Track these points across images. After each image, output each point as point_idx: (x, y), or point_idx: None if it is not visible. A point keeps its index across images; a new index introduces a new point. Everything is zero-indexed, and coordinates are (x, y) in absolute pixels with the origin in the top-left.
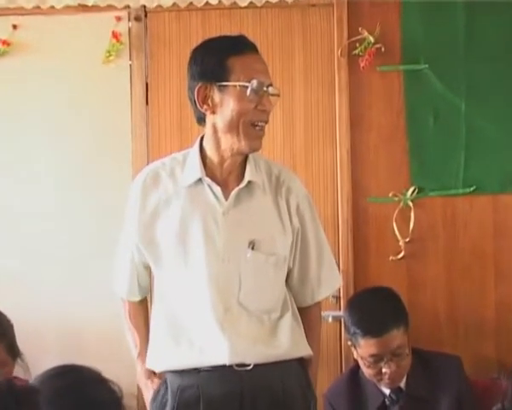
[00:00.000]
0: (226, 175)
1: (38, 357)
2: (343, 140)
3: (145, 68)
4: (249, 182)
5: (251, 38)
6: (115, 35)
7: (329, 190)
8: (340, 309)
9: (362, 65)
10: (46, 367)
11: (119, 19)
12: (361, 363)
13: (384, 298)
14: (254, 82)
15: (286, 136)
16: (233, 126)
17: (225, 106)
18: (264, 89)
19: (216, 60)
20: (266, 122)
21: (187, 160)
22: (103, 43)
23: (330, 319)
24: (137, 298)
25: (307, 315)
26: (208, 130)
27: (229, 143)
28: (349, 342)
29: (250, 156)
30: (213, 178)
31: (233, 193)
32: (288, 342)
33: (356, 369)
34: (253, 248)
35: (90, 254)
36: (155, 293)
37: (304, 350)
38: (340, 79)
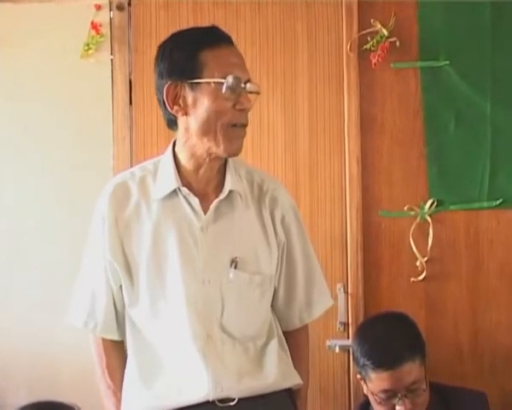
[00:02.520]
0: (203, 185)
1: (6, 392)
2: (352, 146)
3: (128, 64)
4: (230, 192)
5: (249, 30)
6: (95, 26)
7: (337, 202)
8: (348, 338)
9: (374, 61)
10: (15, 405)
11: (98, 8)
12: (372, 399)
13: (398, 325)
14: (230, 78)
15: (288, 141)
16: (209, 129)
17: (199, 106)
18: (242, 85)
19: (186, 54)
20: (246, 124)
21: (159, 169)
22: (81, 36)
23: (337, 349)
24: (114, 336)
25: (294, 339)
26: (181, 134)
27: (205, 147)
28: (358, 376)
29: (230, 163)
30: (190, 189)
31: (213, 205)
32: (275, 373)
33: (366, 406)
34: (235, 267)
35: (65, 275)
36: (127, 330)
37: (292, 380)
38: (350, 76)
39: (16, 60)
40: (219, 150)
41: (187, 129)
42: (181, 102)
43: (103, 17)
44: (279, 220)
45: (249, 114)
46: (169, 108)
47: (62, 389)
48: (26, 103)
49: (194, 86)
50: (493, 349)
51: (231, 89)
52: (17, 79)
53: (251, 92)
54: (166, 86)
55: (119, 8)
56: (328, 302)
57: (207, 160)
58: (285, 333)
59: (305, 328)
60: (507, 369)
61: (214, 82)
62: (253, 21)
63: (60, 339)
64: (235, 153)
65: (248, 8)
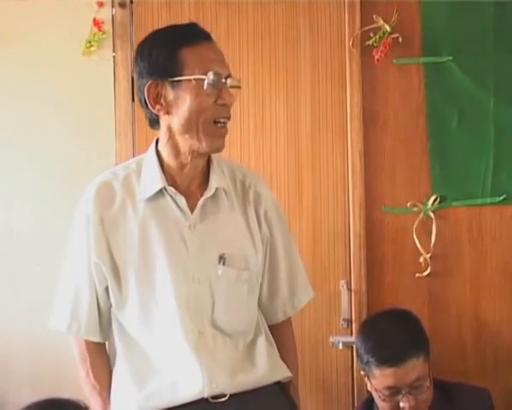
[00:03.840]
0: (188, 183)
1: (8, 390)
2: (355, 141)
3: (131, 61)
4: (215, 189)
5: (251, 27)
6: (97, 23)
7: (339, 198)
8: (351, 334)
9: (376, 57)
10: (17, 402)
11: (101, 4)
12: (375, 396)
13: (402, 322)
14: (211, 74)
15: (290, 137)
16: (191, 126)
17: (181, 104)
18: (223, 81)
19: (166, 53)
20: (228, 118)
21: (142, 168)
22: (83, 33)
23: (341, 346)
24: (97, 338)
25: (279, 333)
26: (163, 133)
27: (188, 144)
28: (362, 372)
29: (213, 160)
30: (175, 188)
31: (199, 204)
32: (264, 367)
33: (370, 402)
34: (223, 264)
35: None
36: (114, 332)
37: (282, 373)
38: (352, 72)
39: (17, 56)
40: (202, 147)
41: (169, 127)
42: (162, 101)
43: (105, 14)
44: (263, 215)
45: (252, 111)
46: (151, 108)
47: (65, 386)
48: (28, 101)
49: (175, 85)
50: (496, 346)
51: (212, 85)
52: (18, 75)
53: (232, 87)
54: (147, 86)
55: (121, 5)
56: (310, 294)
57: (190, 157)
58: (270, 327)
59: (288, 320)
60: (510, 365)
61: (195, 79)
62: (256, 18)
63: (62, 336)
64: (218, 149)
65: (251, 5)
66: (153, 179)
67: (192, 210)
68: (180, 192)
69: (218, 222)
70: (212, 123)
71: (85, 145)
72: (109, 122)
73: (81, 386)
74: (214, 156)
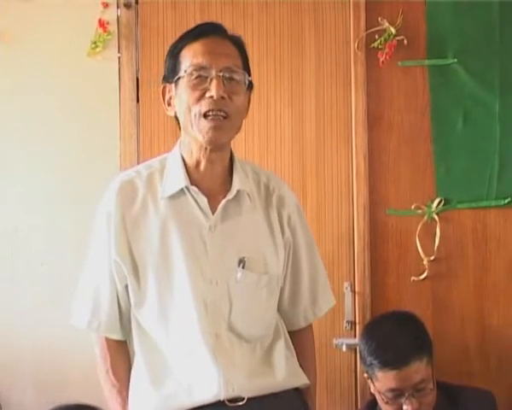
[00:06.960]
0: (207, 182)
1: (12, 390)
2: (359, 144)
3: (136, 62)
4: (238, 192)
5: (256, 28)
6: (102, 24)
7: (344, 200)
8: (355, 337)
9: (381, 59)
10: (21, 403)
11: (106, 5)
12: (378, 398)
13: (405, 324)
14: (189, 67)
15: (295, 138)
16: (187, 121)
17: (180, 101)
18: (213, 72)
19: (171, 57)
20: (220, 110)
21: (166, 167)
22: (88, 33)
23: (344, 348)
24: (118, 336)
25: (300, 339)
26: (181, 132)
27: (193, 141)
28: (365, 375)
29: (236, 162)
30: (198, 188)
31: (221, 205)
32: (283, 372)
33: (373, 404)
34: (243, 267)
35: (72, 271)
36: (133, 330)
37: (300, 380)
38: (357, 75)
39: (22, 57)
40: (201, 141)
41: (181, 126)
42: (172, 102)
43: (110, 15)
44: (286, 220)
45: (256, 112)
46: (165, 110)
47: (69, 387)
48: (32, 101)
49: (176, 85)
50: (500, 348)
51: (196, 77)
52: (23, 76)
53: (232, 79)
54: (161, 89)
55: (127, 6)
56: (332, 301)
57: (201, 153)
58: (290, 333)
59: (309, 327)
60: None
61: (183, 75)
62: (261, 19)
63: (67, 336)
64: (212, 142)
65: (256, 6)
66: (176, 178)
67: (214, 211)
68: (203, 193)
69: (240, 224)
70: (202, 117)
71: (90, 146)
72: (114, 123)
73: (85, 387)
74: (238, 158)
